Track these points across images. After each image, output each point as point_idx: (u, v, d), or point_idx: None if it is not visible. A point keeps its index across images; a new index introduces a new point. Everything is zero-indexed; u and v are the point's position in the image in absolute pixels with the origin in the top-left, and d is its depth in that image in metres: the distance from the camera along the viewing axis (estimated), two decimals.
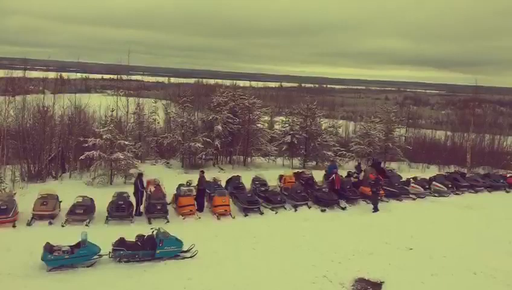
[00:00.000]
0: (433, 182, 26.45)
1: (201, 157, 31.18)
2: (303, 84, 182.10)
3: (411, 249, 16.88)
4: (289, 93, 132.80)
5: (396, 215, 21.38)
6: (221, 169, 30.96)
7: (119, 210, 18.51)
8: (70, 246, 13.82)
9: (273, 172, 27.98)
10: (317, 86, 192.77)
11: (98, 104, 34.32)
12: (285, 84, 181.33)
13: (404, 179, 26.77)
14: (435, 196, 25.56)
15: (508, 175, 30.62)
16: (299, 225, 19.41)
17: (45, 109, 27.88)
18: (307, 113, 34.51)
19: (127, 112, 32.66)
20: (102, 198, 19.38)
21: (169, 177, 25.07)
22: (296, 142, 33.59)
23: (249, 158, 33.75)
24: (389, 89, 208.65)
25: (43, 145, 26.39)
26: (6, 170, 24.86)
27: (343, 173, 26.71)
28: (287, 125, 35.17)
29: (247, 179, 24.55)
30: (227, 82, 60.92)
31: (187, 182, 22.08)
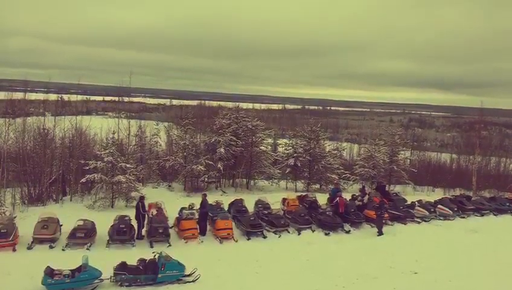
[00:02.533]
0: (439, 205, 26.16)
1: (204, 180, 31.07)
2: (307, 106, 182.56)
3: (416, 273, 16.67)
4: (292, 115, 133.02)
5: (401, 239, 21.15)
6: (224, 192, 30.80)
7: (121, 234, 18.40)
8: (71, 270, 13.76)
9: (277, 195, 27.82)
10: (321, 108, 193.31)
11: (99, 126, 34.27)
12: (288, 106, 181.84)
13: (409, 202, 26.52)
14: (440, 220, 25.26)
15: None
16: (303, 248, 19.23)
17: (46, 131, 27.88)
18: (310, 136, 34.44)
19: (129, 135, 32.59)
20: (104, 221, 19.29)
21: (171, 201, 25.01)
22: (299, 164, 33.43)
23: (252, 181, 33.56)
24: (394, 111, 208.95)
25: (43, 168, 26.25)
26: (6, 193, 24.75)
27: (347, 196, 26.50)
28: (290, 147, 35.09)
29: (250, 202, 24.40)
30: (230, 104, 61.08)
31: (189, 205, 21.92)
